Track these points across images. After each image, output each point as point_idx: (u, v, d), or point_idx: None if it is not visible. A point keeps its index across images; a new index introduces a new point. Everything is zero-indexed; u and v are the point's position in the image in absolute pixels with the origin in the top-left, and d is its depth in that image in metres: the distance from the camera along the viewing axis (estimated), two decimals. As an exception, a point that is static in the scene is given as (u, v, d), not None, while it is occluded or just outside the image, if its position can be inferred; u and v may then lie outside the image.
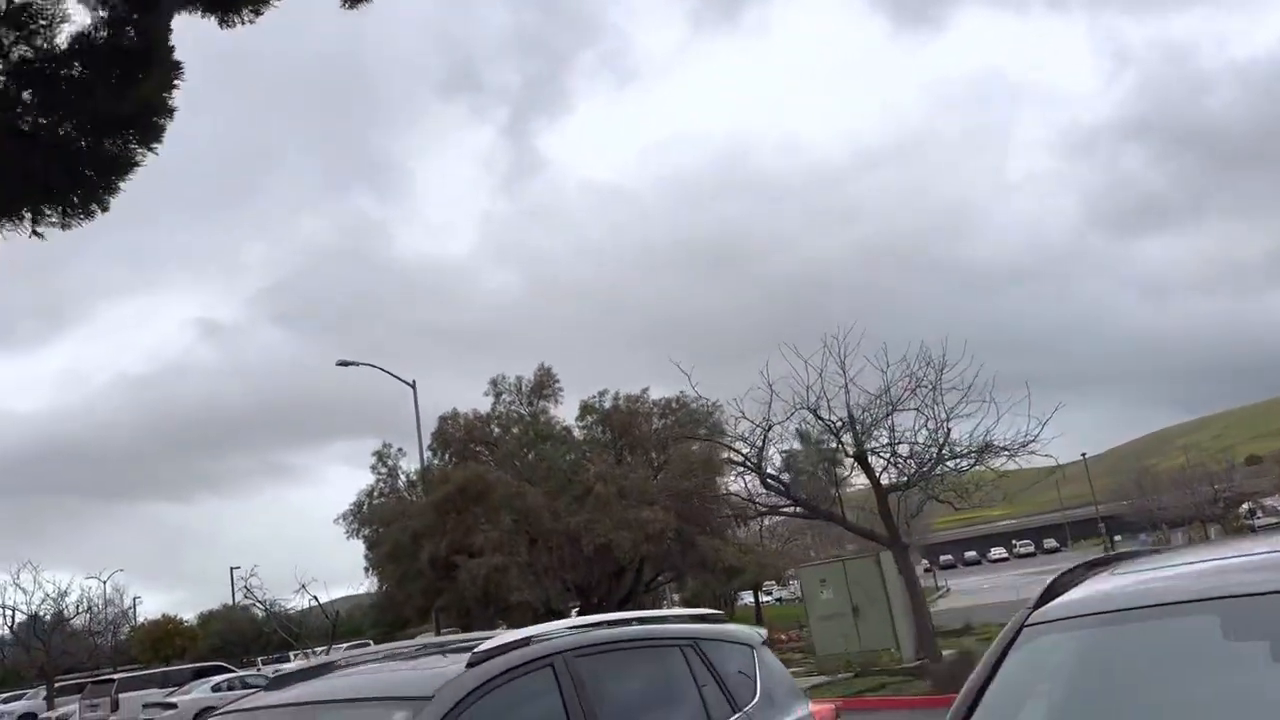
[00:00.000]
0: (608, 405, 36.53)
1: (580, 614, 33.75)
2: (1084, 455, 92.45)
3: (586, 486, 30.88)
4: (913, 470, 16.69)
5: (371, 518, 36.06)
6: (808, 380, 16.20)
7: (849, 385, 16.35)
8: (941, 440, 16.26)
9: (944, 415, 16.01)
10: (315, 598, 38.70)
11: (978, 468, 16.15)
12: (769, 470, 17.31)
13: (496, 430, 36.99)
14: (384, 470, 38.27)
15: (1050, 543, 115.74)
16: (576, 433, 36.28)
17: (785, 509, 18.36)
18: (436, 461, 36.52)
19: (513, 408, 37.60)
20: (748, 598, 60.73)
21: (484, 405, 37.96)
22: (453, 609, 28.97)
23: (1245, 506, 60.21)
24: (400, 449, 38.33)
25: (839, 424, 16.22)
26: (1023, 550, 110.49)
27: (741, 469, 18.08)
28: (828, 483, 17.22)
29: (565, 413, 37.23)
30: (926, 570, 78.34)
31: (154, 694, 29.63)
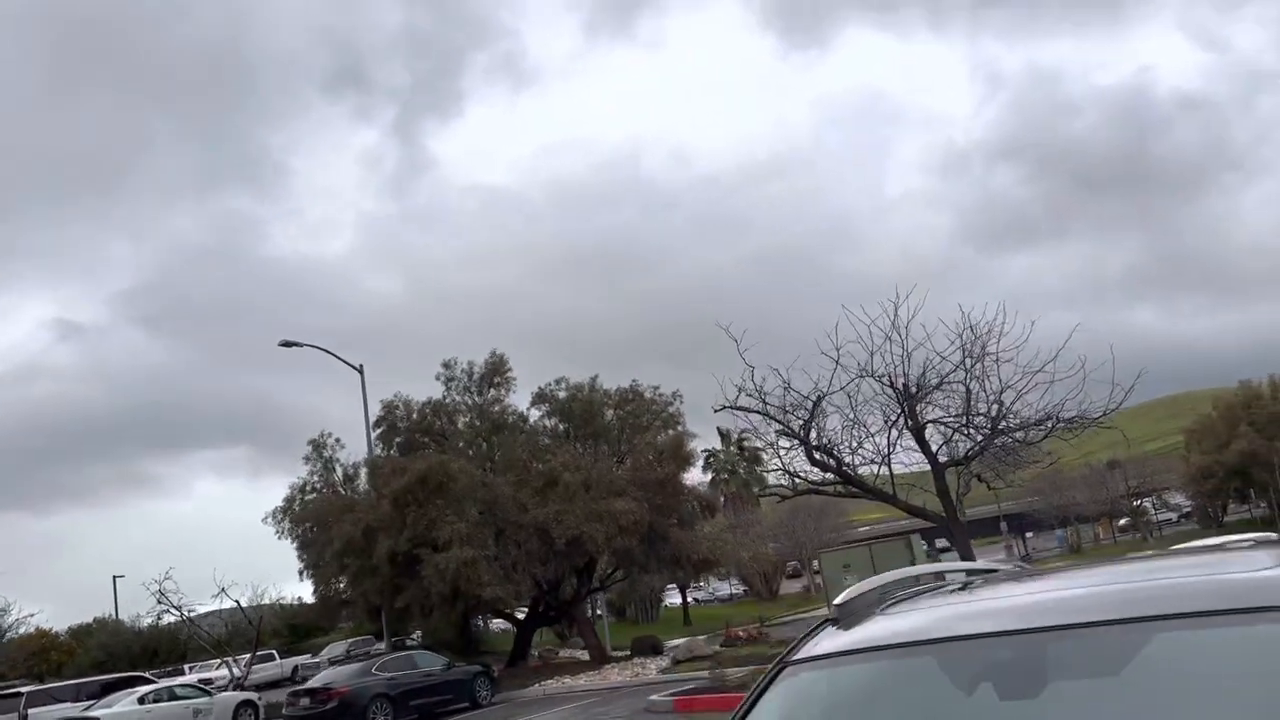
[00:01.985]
0: (563, 395, 34.94)
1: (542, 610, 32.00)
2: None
3: (550, 477, 29.23)
4: (970, 445, 15.83)
5: (307, 514, 33.46)
6: (872, 344, 15.17)
7: (906, 353, 15.36)
8: (996, 413, 15.46)
9: (999, 386, 15.19)
10: (237, 602, 35.96)
11: (1045, 438, 15.37)
12: (815, 444, 16.15)
13: (443, 421, 34.93)
14: (320, 463, 35.70)
15: (941, 542, 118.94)
16: (532, 422, 34.55)
17: (826, 488, 17.24)
18: (382, 452, 34.27)
19: (464, 396, 35.63)
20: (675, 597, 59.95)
21: (428, 392, 35.94)
22: (415, 607, 26.86)
23: (1141, 503, 62.55)
24: (339, 440, 35.86)
25: (905, 391, 15.21)
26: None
27: (785, 445, 16.88)
28: (882, 459, 16.18)
29: (518, 401, 35.49)
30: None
31: (68, 708, 26.66)
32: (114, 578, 64.02)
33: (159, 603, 34.62)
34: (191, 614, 35.61)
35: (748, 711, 2.41)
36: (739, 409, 16.12)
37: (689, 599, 58.52)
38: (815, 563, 69.66)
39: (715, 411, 16.58)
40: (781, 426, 16.17)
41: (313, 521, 33.11)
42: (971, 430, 15.12)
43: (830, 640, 2.53)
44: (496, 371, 35.60)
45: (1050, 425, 14.69)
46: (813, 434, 15.90)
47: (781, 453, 17.01)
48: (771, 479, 17.63)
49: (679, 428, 33.62)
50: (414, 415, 35.23)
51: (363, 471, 35.66)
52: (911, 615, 2.61)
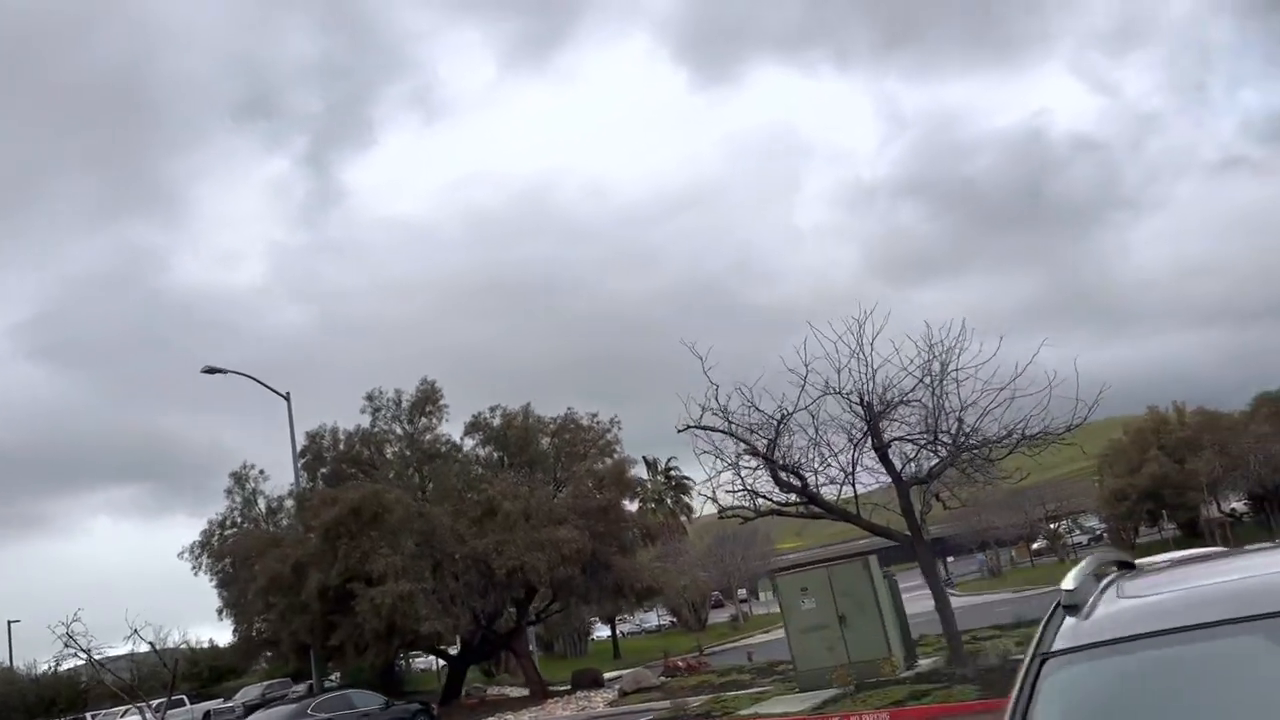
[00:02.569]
0: (497, 423, 34.15)
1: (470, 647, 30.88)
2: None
3: (488, 506, 28.39)
4: (934, 462, 15.75)
5: (227, 550, 31.87)
6: (838, 362, 15.00)
7: (871, 370, 15.24)
8: (957, 429, 15.42)
9: (958, 404, 15.18)
10: (151, 644, 33.96)
11: (1008, 455, 15.36)
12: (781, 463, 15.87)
13: (371, 451, 33.78)
14: (241, 496, 34.15)
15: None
16: (466, 450, 33.64)
17: (789, 509, 16.94)
18: (307, 484, 32.97)
19: (392, 425, 34.53)
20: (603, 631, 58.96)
21: (347, 424, 34.68)
22: (349, 645, 25.62)
23: (1058, 526, 64.13)
24: (262, 471, 34.38)
25: (870, 409, 15.06)
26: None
27: (742, 465, 16.57)
28: (846, 479, 15.98)
29: (450, 430, 34.54)
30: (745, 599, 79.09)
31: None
32: (9, 623, 60.36)
33: (66, 646, 32.47)
34: (101, 658, 33.46)
35: (1025, 711, 2.24)
36: (704, 428, 15.76)
37: (618, 631, 57.63)
38: (742, 591, 69.58)
39: (679, 431, 16.20)
40: (746, 446, 15.85)
41: (233, 557, 31.55)
42: (937, 446, 15.01)
43: (1088, 628, 2.40)
44: (428, 400, 34.64)
45: (1015, 441, 14.68)
46: (778, 453, 15.61)
47: (744, 473, 16.67)
48: (729, 499, 17.14)
49: (616, 455, 33.17)
50: (340, 445, 34.04)
51: (288, 504, 34.27)
52: (1157, 598, 2.51)
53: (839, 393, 15.13)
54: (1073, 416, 14.21)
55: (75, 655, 33.11)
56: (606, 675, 31.88)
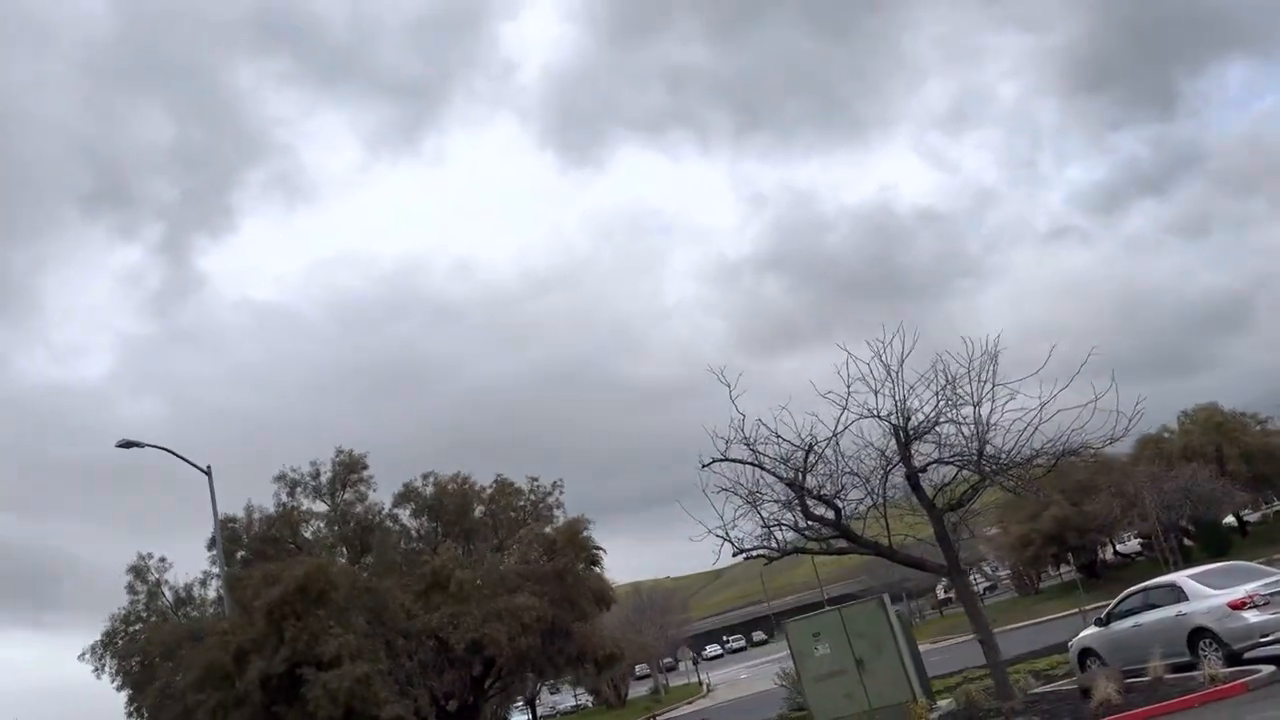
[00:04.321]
0: (429, 491, 32.31)
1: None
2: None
3: (435, 579, 26.57)
4: (966, 488, 15.37)
5: (136, 648, 28.75)
6: (875, 383, 14.53)
7: (904, 393, 14.83)
8: (989, 450, 15.08)
9: (986, 421, 14.88)
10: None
11: (1049, 471, 15.10)
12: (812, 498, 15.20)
13: (293, 529, 31.37)
14: (142, 589, 31.03)
15: (758, 635, 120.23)
16: (402, 522, 31.63)
17: (812, 544, 16.19)
18: (219, 570, 30.29)
19: (313, 501, 32.23)
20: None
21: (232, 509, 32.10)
22: (297, 738, 23.15)
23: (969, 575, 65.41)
24: (163, 559, 31.38)
25: (906, 432, 14.59)
26: (735, 645, 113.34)
27: (764, 499, 15.81)
28: (874, 504, 15.38)
29: (377, 501, 32.44)
30: (714, 656, 77.55)
31: None
32: None
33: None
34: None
35: None
36: (730, 460, 14.97)
37: (562, 708, 55.17)
38: (667, 659, 67.88)
39: (703, 467, 15.33)
40: (776, 478, 15.12)
41: (144, 655, 28.48)
42: (981, 465, 14.60)
43: None
44: (350, 470, 32.57)
45: (1059, 455, 14.44)
46: (810, 482, 14.94)
47: (764, 508, 15.91)
48: (744, 539, 16.29)
49: (558, 519, 31.85)
50: (255, 527, 31.51)
51: (199, 591, 31.43)
52: None
53: (877, 415, 14.61)
54: (1113, 429, 14.07)
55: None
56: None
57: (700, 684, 61.00)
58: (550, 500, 32.93)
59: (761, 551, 15.92)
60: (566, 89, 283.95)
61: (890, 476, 15.42)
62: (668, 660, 63.82)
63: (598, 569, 29.51)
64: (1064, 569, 61.83)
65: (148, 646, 27.85)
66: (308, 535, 31.98)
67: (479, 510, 32.97)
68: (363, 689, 22.46)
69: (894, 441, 15.21)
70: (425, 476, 32.77)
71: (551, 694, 63.88)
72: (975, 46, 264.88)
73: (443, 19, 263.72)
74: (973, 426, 14.37)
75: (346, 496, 32.23)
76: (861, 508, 15.78)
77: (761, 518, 15.97)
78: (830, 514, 15.30)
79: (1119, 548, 63.10)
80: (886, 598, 18.34)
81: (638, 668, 63.76)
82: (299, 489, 32.29)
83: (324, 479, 32.45)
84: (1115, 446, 14.71)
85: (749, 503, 15.96)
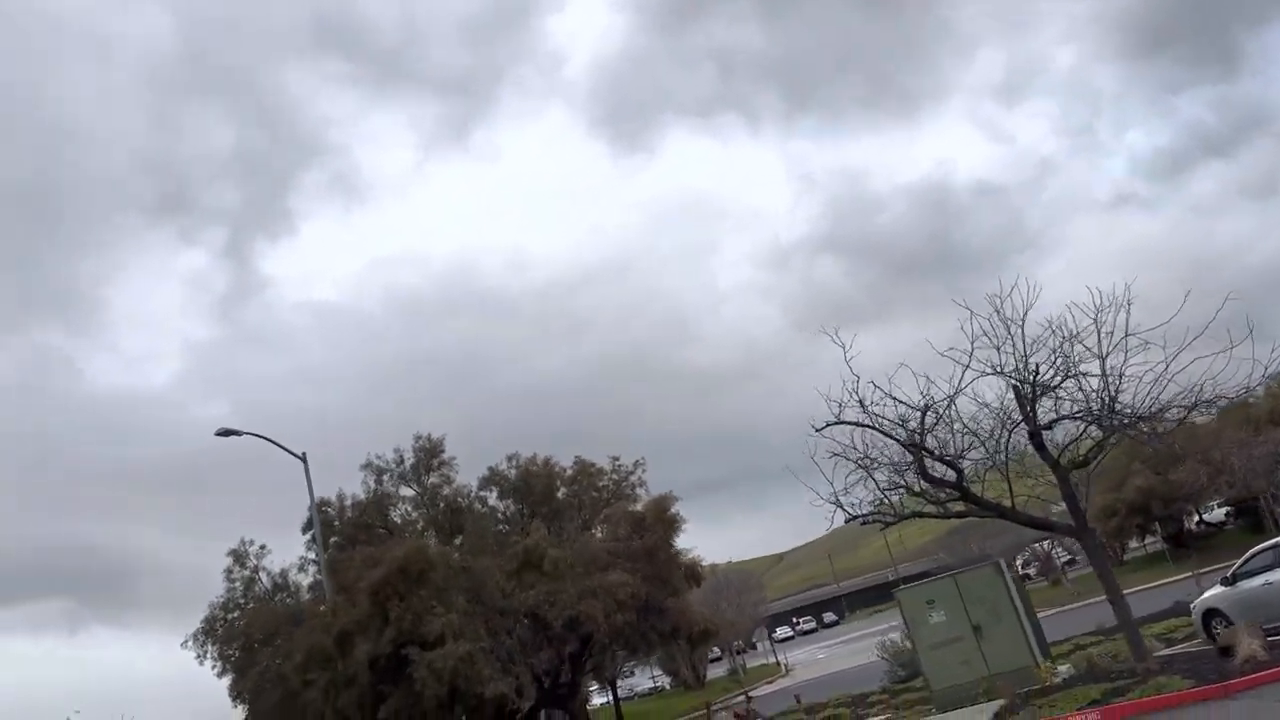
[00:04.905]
0: (514, 473, 32.48)
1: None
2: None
3: (527, 558, 26.68)
4: (1093, 445, 14.93)
5: (236, 633, 29.32)
6: (996, 339, 14.13)
7: (1026, 346, 14.41)
8: (1109, 400, 14.51)
9: (1118, 372, 14.35)
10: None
11: (1182, 422, 14.56)
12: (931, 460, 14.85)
13: (386, 513, 31.78)
14: (242, 575, 31.61)
15: (829, 616, 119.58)
16: (490, 504, 31.85)
17: (929, 510, 15.86)
18: (318, 554, 30.81)
19: (398, 487, 32.61)
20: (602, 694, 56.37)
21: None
22: (404, 716, 23.43)
23: (1052, 547, 64.17)
24: (262, 545, 31.94)
25: (1034, 387, 14.17)
26: (806, 627, 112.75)
27: (877, 463, 15.51)
28: (1000, 470, 15.02)
29: (464, 483, 32.73)
30: (785, 638, 77.30)
31: None
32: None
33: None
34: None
35: None
36: (844, 423, 14.69)
37: (639, 690, 55.30)
38: (738, 641, 67.64)
39: (816, 431, 15.08)
40: (893, 440, 14.82)
41: (244, 640, 29.05)
42: (1114, 420, 14.13)
43: None
44: (432, 454, 32.91)
45: (1191, 406, 13.92)
46: (930, 442, 14.61)
47: (878, 473, 15.61)
48: (848, 508, 16.00)
49: (640, 495, 31.85)
50: (348, 513, 31.98)
51: (295, 576, 31.97)
52: None
53: (999, 371, 14.23)
54: (1249, 377, 13.51)
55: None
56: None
57: (779, 664, 60.73)
58: (632, 479, 32.94)
59: (878, 517, 15.58)
60: (615, 78, 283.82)
61: (1010, 436, 14.99)
62: (738, 643, 63.57)
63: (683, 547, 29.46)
64: (1148, 540, 60.38)
65: (248, 631, 28.35)
66: (396, 519, 32.40)
67: (562, 491, 33.09)
68: (466, 667, 22.64)
69: (1015, 399, 14.80)
70: (509, 459, 32.98)
71: (625, 678, 64.06)
72: (1027, 13, 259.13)
73: (490, 15, 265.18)
74: (1101, 379, 13.90)
75: (432, 480, 32.58)
76: (980, 468, 15.39)
77: (876, 482, 15.66)
78: (951, 475, 14.94)
79: (1204, 517, 61.34)
80: (1002, 562, 17.95)
81: (714, 649, 63.59)
82: (385, 476, 32.72)
83: (408, 465, 32.85)
84: (1199, 415, 14.14)
85: (861, 467, 15.68)
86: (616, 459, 33.25)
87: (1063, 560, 64.49)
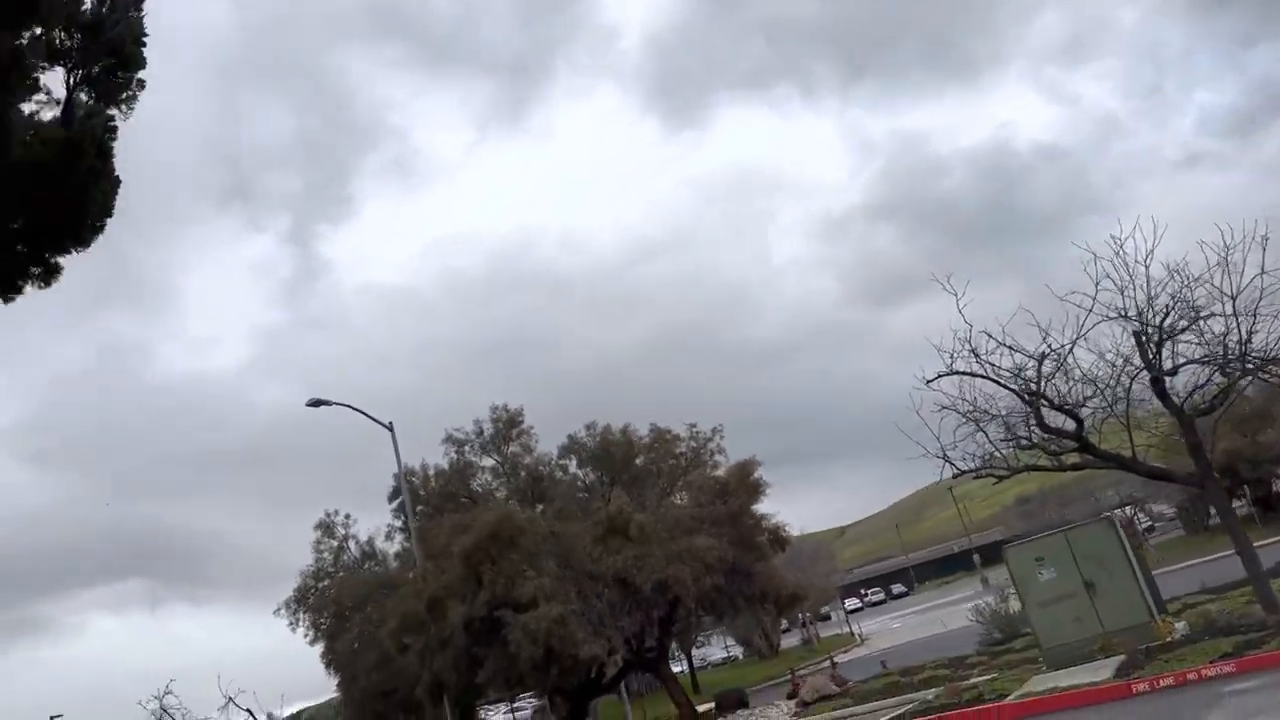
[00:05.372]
0: (593, 442, 32.48)
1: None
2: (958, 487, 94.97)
3: (611, 524, 26.67)
4: (1217, 391, 14.35)
5: (328, 601, 29.88)
6: (1120, 281, 13.60)
7: (1150, 289, 13.83)
8: (1242, 341, 13.85)
9: (1252, 311, 13.69)
10: (250, 712, 31.86)
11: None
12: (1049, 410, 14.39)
13: (469, 482, 32.07)
14: (331, 545, 32.19)
15: (898, 587, 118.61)
16: (571, 472, 31.95)
17: (1043, 463, 15.44)
18: (408, 520, 31.23)
19: (480, 457, 32.86)
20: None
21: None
22: (499, 678, 23.69)
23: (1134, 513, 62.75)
24: (349, 515, 32.48)
25: (1160, 331, 13.63)
26: (874, 598, 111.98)
27: (988, 416, 15.09)
28: (1120, 419, 14.51)
29: (545, 452, 32.87)
30: (854, 610, 77.01)
31: None
32: (51, 718, 57.18)
33: (159, 720, 30.30)
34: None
35: None
36: (958, 374, 14.30)
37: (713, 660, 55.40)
38: (807, 614, 67.28)
39: (928, 383, 14.72)
40: (1009, 390, 14.39)
41: (336, 607, 29.60)
42: (1244, 364, 13.56)
43: None
44: (511, 425, 33.10)
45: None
46: (1048, 391, 14.16)
47: (990, 426, 15.19)
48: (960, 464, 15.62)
49: (719, 462, 31.65)
50: (432, 482, 32.34)
51: (381, 545, 32.49)
52: None
53: (1123, 315, 13.70)
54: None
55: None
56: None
57: (853, 634, 60.36)
58: (710, 446, 32.72)
59: (988, 471, 15.19)
60: (667, 53, 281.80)
61: (1130, 384, 14.47)
62: (806, 615, 63.17)
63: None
64: (1236, 504, 58.69)
65: (339, 599, 28.85)
66: (477, 489, 32.67)
67: (640, 459, 33.03)
68: (560, 629, 22.72)
69: (1135, 345, 14.27)
70: (588, 428, 32.96)
71: (698, 647, 64.15)
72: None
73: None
74: (1232, 319, 13.31)
75: (512, 450, 32.76)
76: (1097, 417, 14.90)
77: (987, 435, 15.26)
78: (1070, 425, 14.48)
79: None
80: (1115, 516, 17.45)
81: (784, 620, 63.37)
82: (465, 446, 32.99)
83: (487, 435, 33.08)
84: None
85: (971, 420, 15.28)
86: (693, 426, 33.02)
87: (1143, 526, 63.04)
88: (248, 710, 31.04)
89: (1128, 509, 61.89)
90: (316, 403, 26.04)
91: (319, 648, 30.80)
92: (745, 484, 28.46)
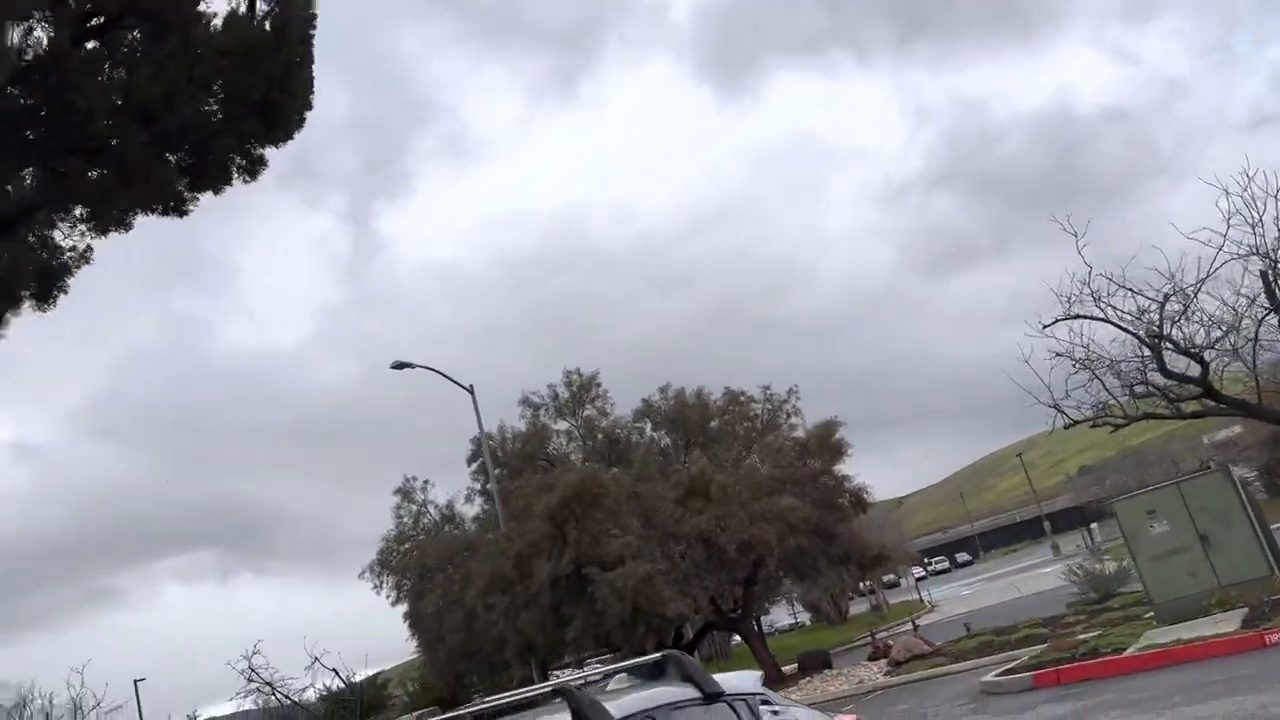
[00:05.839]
0: (668, 405, 32.34)
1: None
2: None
3: (691, 486, 26.55)
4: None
5: (412, 562, 30.26)
6: (1252, 216, 12.97)
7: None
8: None
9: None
10: (336, 671, 32.44)
11: None
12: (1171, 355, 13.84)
13: (548, 445, 32.20)
14: (410, 509, 32.55)
15: (962, 556, 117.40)
16: (647, 434, 31.91)
17: (1159, 410, 14.90)
18: (479, 488, 31.49)
19: (555, 421, 32.94)
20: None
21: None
22: (586, 636, 23.79)
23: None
24: (428, 480, 32.80)
25: None
26: (939, 566, 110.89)
27: (1102, 362, 14.57)
28: (1247, 364, 13.93)
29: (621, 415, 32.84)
30: (919, 578, 76.47)
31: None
32: (135, 681, 58.93)
33: (249, 680, 31.00)
34: (284, 692, 31.88)
35: None
36: (1076, 318, 13.80)
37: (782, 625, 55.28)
38: (889, 576, 66.80)
39: (1044, 328, 14.25)
40: (1130, 334, 13.87)
41: (420, 568, 29.96)
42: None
43: None
44: (586, 389, 33.11)
45: None
46: (1175, 334, 13.62)
47: (1104, 372, 14.68)
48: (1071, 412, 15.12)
49: (795, 425, 31.34)
50: (509, 445, 32.48)
51: (460, 508, 32.78)
52: None
53: (1255, 253, 13.09)
54: None
55: (259, 691, 31.68)
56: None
57: (922, 600, 59.79)
58: (786, 408, 32.41)
59: (1108, 420, 14.69)
60: (719, 20, 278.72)
61: (1257, 328, 13.86)
62: (890, 577, 62.66)
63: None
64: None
65: (424, 560, 29.16)
66: (553, 451, 32.77)
67: (715, 422, 32.84)
68: (647, 587, 22.71)
69: (1263, 285, 13.64)
70: (662, 390, 32.84)
71: (765, 614, 63.97)
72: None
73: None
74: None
75: (588, 413, 32.77)
76: (1220, 364, 14.32)
77: (1102, 384, 14.75)
78: (1195, 370, 13.93)
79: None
80: (1230, 468, 16.85)
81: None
82: (541, 410, 33.06)
83: (563, 399, 33.11)
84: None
85: (1086, 367, 14.78)
86: (767, 388, 32.75)
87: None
88: (333, 670, 31.62)
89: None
90: (400, 365, 26.22)
91: (400, 610, 31.27)
92: (827, 445, 28.15)
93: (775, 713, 4.79)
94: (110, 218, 10.96)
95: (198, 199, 11.18)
